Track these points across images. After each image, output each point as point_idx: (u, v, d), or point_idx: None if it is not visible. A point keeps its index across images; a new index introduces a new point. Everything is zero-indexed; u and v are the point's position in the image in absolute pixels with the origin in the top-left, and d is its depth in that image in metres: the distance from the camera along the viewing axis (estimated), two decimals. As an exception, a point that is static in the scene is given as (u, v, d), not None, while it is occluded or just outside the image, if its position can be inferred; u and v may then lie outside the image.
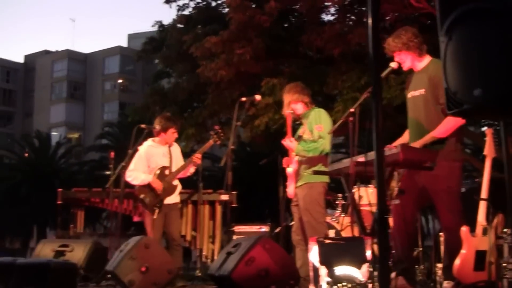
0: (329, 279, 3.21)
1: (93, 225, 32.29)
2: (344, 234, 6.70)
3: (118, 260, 5.27)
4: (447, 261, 4.85)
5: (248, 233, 7.69)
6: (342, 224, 6.86)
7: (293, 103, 6.10)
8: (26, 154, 36.80)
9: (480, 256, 4.72)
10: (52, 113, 57.21)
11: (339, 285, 3.24)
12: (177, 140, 7.48)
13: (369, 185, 6.75)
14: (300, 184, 5.91)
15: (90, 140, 46.69)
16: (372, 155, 4.91)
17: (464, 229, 4.73)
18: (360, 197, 6.89)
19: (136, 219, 8.20)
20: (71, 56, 58.76)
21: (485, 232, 4.75)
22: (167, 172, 6.92)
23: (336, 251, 2.99)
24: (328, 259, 3.03)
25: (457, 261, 4.69)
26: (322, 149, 5.83)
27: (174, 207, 7.00)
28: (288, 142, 5.93)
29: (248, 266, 4.64)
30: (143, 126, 7.06)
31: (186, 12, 14.46)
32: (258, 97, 6.47)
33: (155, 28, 15.79)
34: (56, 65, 59.20)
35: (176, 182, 7.00)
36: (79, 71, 58.79)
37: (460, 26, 3.19)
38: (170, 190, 6.91)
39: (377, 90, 3.07)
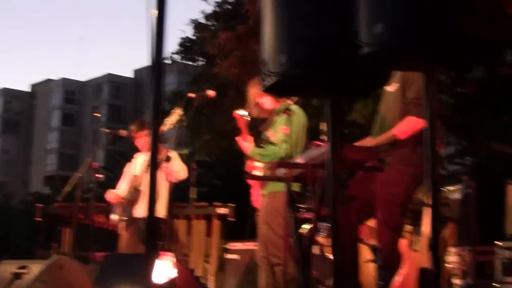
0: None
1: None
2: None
3: (25, 284, 5.04)
4: (381, 282, 4.24)
5: (242, 251, 7.21)
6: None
7: (260, 97, 5.55)
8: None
9: (425, 275, 4.05)
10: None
11: None
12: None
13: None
14: (265, 193, 5.31)
15: (199, 155, 47.61)
16: (309, 155, 4.43)
17: (403, 242, 4.10)
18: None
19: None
20: (180, 68, 60.09)
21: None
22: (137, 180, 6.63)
23: (114, 271, 2.52)
24: (102, 281, 2.56)
25: (397, 282, 4.05)
26: (284, 155, 5.03)
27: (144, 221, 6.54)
28: (243, 141, 5.39)
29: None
30: (104, 130, 6.89)
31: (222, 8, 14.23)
32: (211, 92, 5.96)
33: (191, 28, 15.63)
34: (166, 78, 60.83)
35: (143, 188, 6.36)
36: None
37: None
38: (134, 199, 6.50)
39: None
